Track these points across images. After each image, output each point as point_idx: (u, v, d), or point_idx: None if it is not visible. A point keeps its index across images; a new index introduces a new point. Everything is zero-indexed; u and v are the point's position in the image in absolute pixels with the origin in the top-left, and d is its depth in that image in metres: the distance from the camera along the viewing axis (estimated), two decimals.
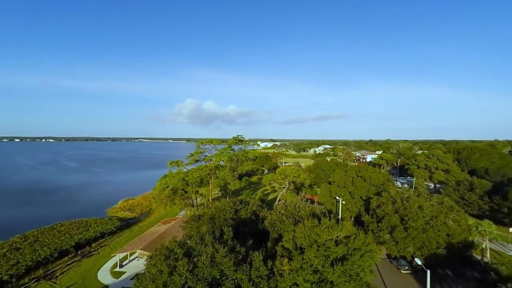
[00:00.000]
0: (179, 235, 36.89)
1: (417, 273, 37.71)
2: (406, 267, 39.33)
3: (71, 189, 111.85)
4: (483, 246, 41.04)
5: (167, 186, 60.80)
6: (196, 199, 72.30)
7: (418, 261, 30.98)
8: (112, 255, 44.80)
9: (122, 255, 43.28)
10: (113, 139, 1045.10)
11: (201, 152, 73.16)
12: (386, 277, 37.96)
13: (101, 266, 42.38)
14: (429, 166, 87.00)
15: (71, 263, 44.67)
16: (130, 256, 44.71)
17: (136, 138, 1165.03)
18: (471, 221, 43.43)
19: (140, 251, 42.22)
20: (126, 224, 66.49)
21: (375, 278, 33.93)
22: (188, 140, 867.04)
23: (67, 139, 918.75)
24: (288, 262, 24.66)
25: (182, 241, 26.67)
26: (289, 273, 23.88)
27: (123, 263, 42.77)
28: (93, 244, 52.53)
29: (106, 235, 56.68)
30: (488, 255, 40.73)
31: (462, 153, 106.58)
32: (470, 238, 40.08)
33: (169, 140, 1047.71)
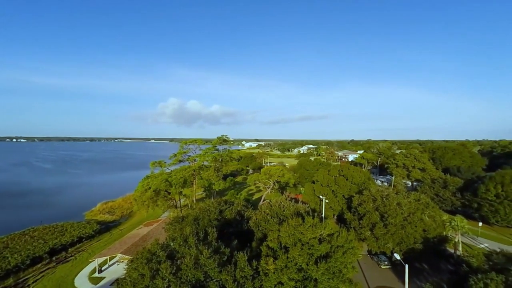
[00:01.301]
0: (161, 238, 35.99)
1: (396, 268, 39.28)
2: (386, 262, 40.84)
3: (45, 192, 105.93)
4: (456, 240, 43.46)
5: (149, 187, 59.10)
6: (180, 200, 70.92)
7: (397, 256, 32.24)
8: (90, 260, 42.89)
9: (101, 259, 41.55)
10: (92, 139, 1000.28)
11: (184, 152, 71.87)
12: (367, 272, 39.21)
13: (79, 272, 40.44)
14: (406, 165, 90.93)
15: (45, 270, 42.25)
16: (110, 261, 43.01)
17: (116, 138, 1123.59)
18: (445, 216, 45.83)
19: (120, 255, 40.78)
20: (105, 227, 63.99)
21: (357, 274, 34.97)
22: (171, 140, 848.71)
23: (41, 139, 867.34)
24: (273, 261, 24.78)
25: (165, 244, 26.05)
26: (274, 272, 24.00)
27: (103, 268, 41.04)
28: (69, 250, 50.02)
29: (83, 239, 54.20)
30: (460, 248, 43.18)
31: (437, 152, 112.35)
32: (444, 232, 42.29)
33: (151, 140, 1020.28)
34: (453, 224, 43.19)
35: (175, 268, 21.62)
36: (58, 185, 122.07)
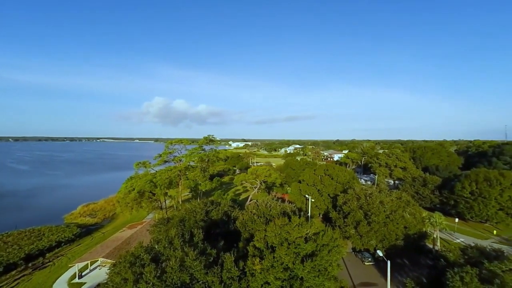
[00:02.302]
0: (146, 240, 35.15)
1: (379, 264, 40.47)
2: (370, 259, 42.00)
3: (21, 195, 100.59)
4: (434, 236, 45.42)
5: (133, 189, 57.57)
6: (165, 202, 69.59)
7: (379, 253, 33.21)
8: (70, 265, 41.14)
9: (81, 264, 40.00)
10: (72, 139, 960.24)
11: (170, 152, 70.53)
12: (351, 269, 40.14)
13: (57, 278, 38.74)
14: (389, 164, 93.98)
15: (20, 277, 40.08)
16: (91, 265, 41.50)
17: (98, 138, 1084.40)
18: (425, 213, 47.81)
19: (102, 259, 39.45)
20: (86, 230, 61.66)
21: (342, 271, 35.65)
22: (156, 140, 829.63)
23: (16, 139, 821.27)
24: (260, 261, 24.82)
25: (149, 246, 25.46)
26: (260, 272, 24.04)
27: (83, 273, 39.51)
28: (47, 255, 47.73)
29: (63, 244, 51.91)
30: (439, 244, 45.17)
31: (417, 152, 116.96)
32: (424, 229, 44.08)
33: (135, 140, 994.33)
34: (432, 220, 45.11)
35: (159, 271, 21.17)
36: (35, 187, 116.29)
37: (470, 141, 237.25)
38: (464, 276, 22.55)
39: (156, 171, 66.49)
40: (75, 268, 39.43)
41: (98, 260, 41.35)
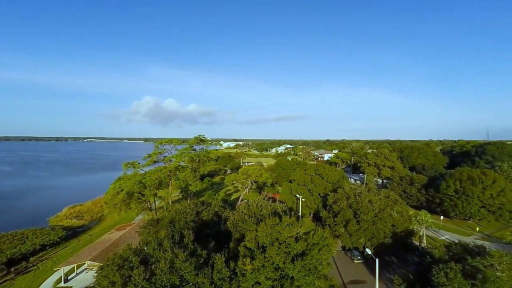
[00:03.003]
0: (135, 242, 34.51)
1: (368, 262, 41.22)
2: (359, 257, 42.75)
3: (2, 196, 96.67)
4: (421, 233, 46.68)
5: (122, 190, 56.43)
6: (155, 202, 68.63)
7: (368, 251, 33.83)
8: (55, 269, 39.86)
9: (67, 268, 38.86)
10: (58, 139, 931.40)
11: (160, 152, 69.57)
12: (341, 267, 40.72)
13: (42, 283, 37.52)
14: (377, 163, 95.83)
15: (2, 282, 38.58)
16: (77, 269, 40.36)
17: (85, 138, 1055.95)
18: (411, 211, 49.01)
19: (89, 262, 38.49)
20: (73, 233, 60.03)
21: (331, 270, 36.15)
22: (146, 140, 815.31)
23: None
24: (250, 261, 24.83)
25: (138, 248, 25.03)
26: (251, 273, 24.05)
27: (69, 277, 38.41)
28: (31, 259, 46.13)
29: (47, 247, 50.30)
30: (425, 241, 46.46)
31: (404, 151, 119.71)
32: (411, 227, 45.24)
33: (124, 140, 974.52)
34: (418, 218, 46.34)
35: (148, 274, 20.84)
36: (18, 188, 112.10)
37: (455, 141, 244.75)
38: (449, 272, 23.28)
39: (146, 172, 65.49)
40: (60, 272, 38.27)
41: (85, 263, 40.33)
